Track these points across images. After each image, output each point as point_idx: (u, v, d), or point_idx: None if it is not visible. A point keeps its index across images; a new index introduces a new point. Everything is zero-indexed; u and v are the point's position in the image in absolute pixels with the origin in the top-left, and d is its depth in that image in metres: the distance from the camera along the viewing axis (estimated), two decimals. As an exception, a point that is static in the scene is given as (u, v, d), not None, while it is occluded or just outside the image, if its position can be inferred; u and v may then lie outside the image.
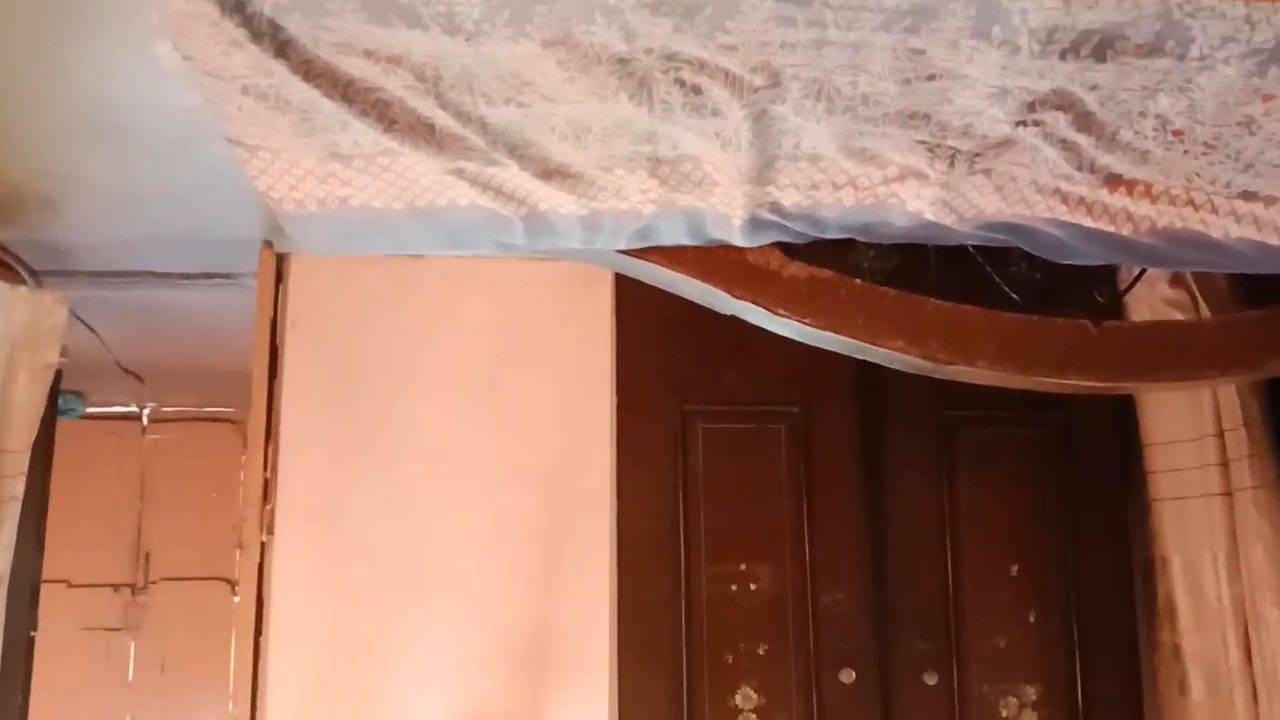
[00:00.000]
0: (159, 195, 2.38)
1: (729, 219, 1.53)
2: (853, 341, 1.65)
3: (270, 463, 2.54)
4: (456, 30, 1.13)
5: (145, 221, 2.52)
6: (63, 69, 1.86)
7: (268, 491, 2.53)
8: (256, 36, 1.12)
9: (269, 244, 2.57)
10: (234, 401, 3.75)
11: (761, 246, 1.62)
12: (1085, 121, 1.31)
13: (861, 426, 2.58)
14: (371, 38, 1.15)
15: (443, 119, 1.27)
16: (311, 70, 1.18)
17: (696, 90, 1.25)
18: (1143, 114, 1.32)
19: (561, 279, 2.55)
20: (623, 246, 1.62)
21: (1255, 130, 1.34)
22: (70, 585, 3.92)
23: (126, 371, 3.44)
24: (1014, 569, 2.61)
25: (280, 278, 2.60)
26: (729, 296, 1.66)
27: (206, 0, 1.07)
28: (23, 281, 2.66)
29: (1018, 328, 1.64)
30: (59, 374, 2.70)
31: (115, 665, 4.06)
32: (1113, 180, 1.43)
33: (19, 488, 2.56)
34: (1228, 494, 2.44)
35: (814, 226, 1.56)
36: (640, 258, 1.65)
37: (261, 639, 2.46)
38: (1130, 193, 1.45)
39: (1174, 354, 1.68)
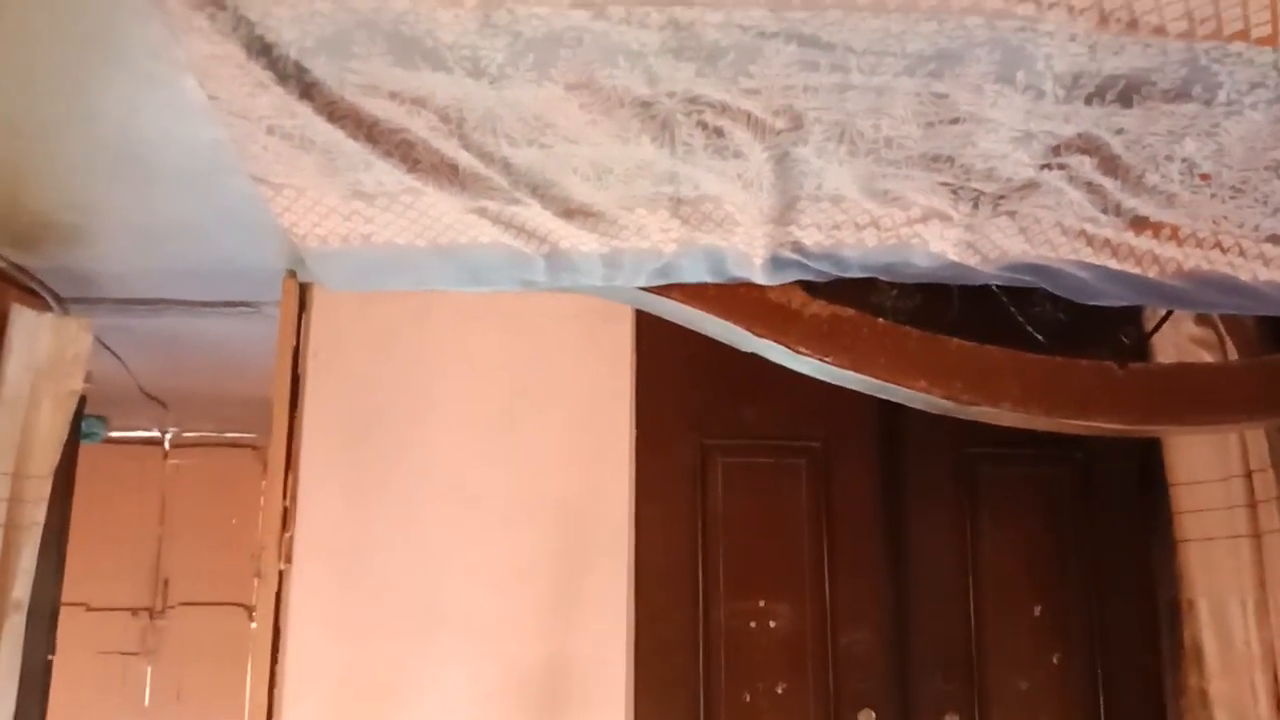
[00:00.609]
0: (183, 226, 2.41)
1: (750, 258, 1.52)
2: (875, 381, 1.63)
3: (290, 491, 2.55)
4: (481, 74, 1.14)
5: (170, 251, 2.55)
6: (89, 103, 1.89)
7: (287, 520, 2.54)
8: (282, 79, 1.13)
9: (293, 274, 2.59)
10: (255, 427, 3.77)
11: (783, 285, 1.62)
12: (1111, 165, 1.30)
13: (882, 463, 2.56)
14: (397, 80, 1.16)
15: (466, 159, 1.28)
16: (336, 111, 1.19)
17: (719, 133, 1.25)
18: (1169, 158, 1.30)
19: (581, 313, 2.56)
20: (643, 284, 1.62)
21: (1283, 175, 1.32)
22: (89, 609, 3.94)
23: (149, 397, 3.47)
24: (1037, 609, 2.57)
25: (303, 307, 2.63)
26: (750, 334, 1.65)
27: (233, 44, 1.08)
28: (49, 309, 2.69)
29: (1042, 369, 1.62)
30: (83, 399, 2.72)
31: (132, 690, 4.07)
32: (1139, 223, 1.42)
33: (40, 513, 2.58)
34: (1256, 536, 2.40)
35: (836, 266, 1.55)
36: (661, 295, 1.65)
37: (278, 668, 2.46)
38: (1156, 235, 1.44)
39: (1200, 397, 1.65)
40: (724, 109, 1.22)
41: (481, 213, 1.40)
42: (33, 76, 1.79)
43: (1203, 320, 2.26)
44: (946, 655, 2.51)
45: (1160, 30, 1.09)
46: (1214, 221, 1.42)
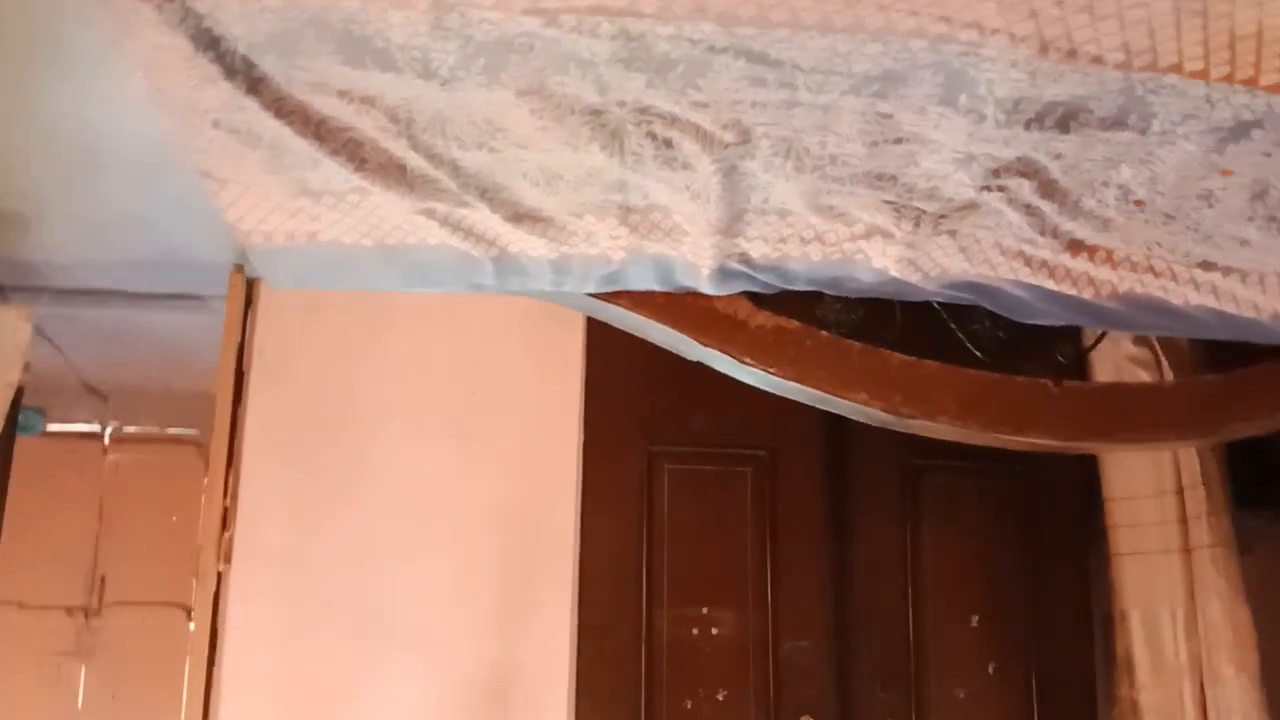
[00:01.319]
0: (130, 217, 2.37)
1: (698, 268, 1.54)
2: (817, 393, 1.66)
3: (230, 490, 2.51)
4: (431, 75, 1.14)
5: (115, 242, 2.51)
6: (38, 92, 1.86)
7: (227, 519, 2.50)
8: (230, 74, 1.12)
9: (240, 268, 2.56)
10: (198, 423, 3.71)
11: (729, 295, 1.63)
12: (1049, 189, 1.34)
13: (827, 472, 2.59)
14: (346, 79, 1.16)
15: (415, 160, 1.28)
16: (283, 108, 1.18)
17: (668, 144, 1.27)
18: (1105, 183, 1.34)
19: (532, 319, 2.55)
20: (592, 289, 1.62)
21: (1214, 203, 1.36)
22: (22, 607, 3.84)
23: (90, 390, 3.40)
24: (975, 619, 2.61)
25: (250, 302, 2.59)
26: (696, 343, 1.67)
27: (180, 36, 1.07)
28: (-13, 298, 2.63)
29: (979, 384, 1.66)
30: (20, 391, 2.66)
31: (65, 691, 3.97)
32: (1075, 245, 1.46)
33: (-28, 507, 2.52)
34: (1186, 551, 2.46)
35: (782, 278, 1.57)
36: (609, 301, 1.66)
37: (215, 671, 2.41)
38: (1092, 258, 1.48)
39: (1133, 416, 1.70)
40: (673, 120, 1.23)
41: (429, 214, 1.39)
42: (-24, 66, 1.76)
43: (1140, 340, 2.31)
44: (886, 664, 2.54)
45: (1098, 60, 1.12)
46: (1147, 246, 1.46)
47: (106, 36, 1.49)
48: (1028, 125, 1.21)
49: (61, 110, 1.93)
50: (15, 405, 2.69)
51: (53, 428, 3.62)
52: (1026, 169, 1.30)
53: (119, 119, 1.95)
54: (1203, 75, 1.15)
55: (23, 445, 2.95)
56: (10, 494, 2.90)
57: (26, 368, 2.64)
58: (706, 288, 1.59)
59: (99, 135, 2.02)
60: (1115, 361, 2.38)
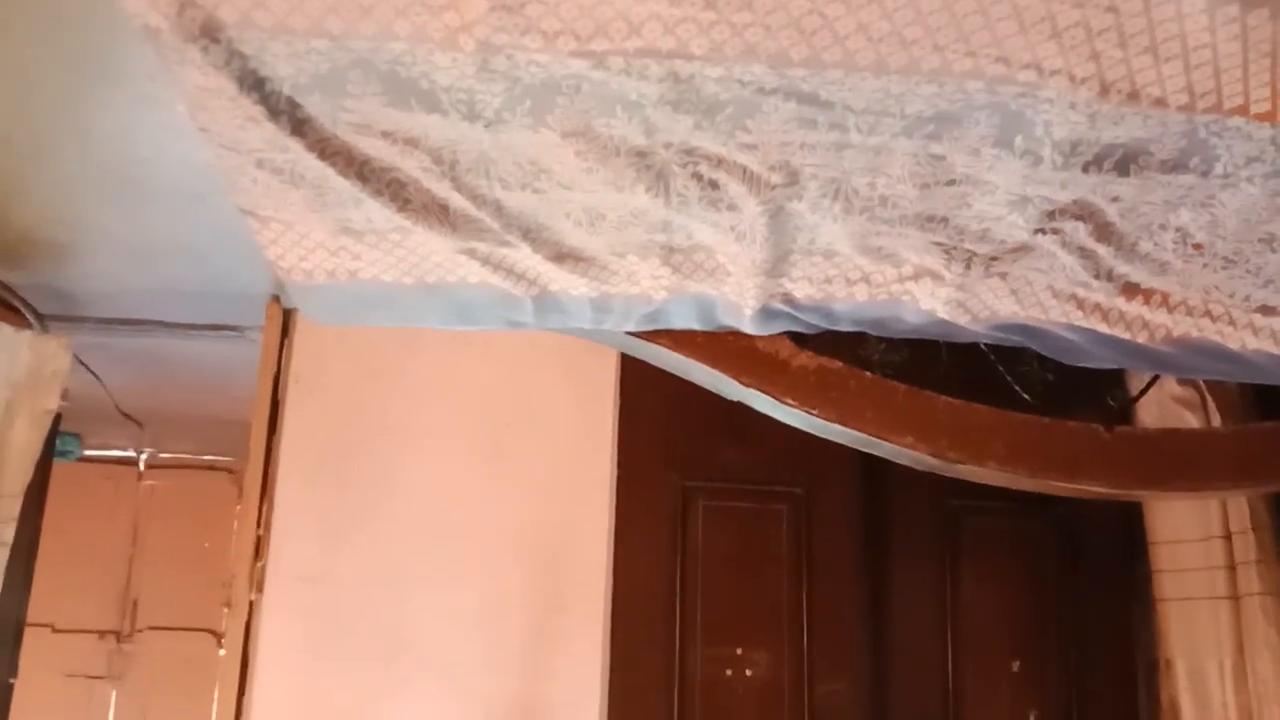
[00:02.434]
0: (171, 247, 2.39)
1: (740, 308, 1.51)
2: (860, 435, 1.62)
3: (264, 520, 2.51)
4: (476, 117, 1.13)
5: (156, 272, 2.53)
6: (84, 121, 1.87)
7: (260, 549, 2.50)
8: (274, 114, 1.11)
9: (277, 299, 2.56)
10: (232, 450, 3.72)
11: (771, 335, 1.61)
12: (1105, 232, 1.30)
13: (865, 511, 2.54)
14: (390, 120, 1.15)
15: (458, 201, 1.26)
16: (328, 148, 1.17)
17: (714, 185, 1.24)
18: (1163, 226, 1.30)
19: (567, 346, 2.54)
20: (632, 328, 1.60)
21: (1277, 248, 1.32)
22: (55, 630, 3.86)
23: (126, 416, 3.42)
24: (1015, 665, 2.55)
25: (286, 333, 2.60)
26: (737, 383, 1.64)
27: (225, 77, 1.06)
28: (28, 325, 2.65)
29: (1029, 429, 1.62)
30: (58, 417, 2.68)
31: (96, 715, 3.98)
32: (1130, 289, 1.42)
33: (9, 533, 2.52)
34: (1234, 599, 2.39)
35: (826, 319, 1.54)
36: (649, 340, 1.63)
37: (245, 699, 2.41)
38: (1147, 302, 1.44)
39: (1186, 463, 1.65)
40: (720, 162, 1.21)
41: (471, 253, 1.38)
42: (29, 93, 1.78)
43: (1185, 380, 2.26)
44: (923, 708, 2.48)
45: (1161, 102, 1.09)
46: (1205, 290, 1.42)
47: (157, 68, 1.50)
48: (1085, 168, 1.18)
49: (108, 140, 1.94)
50: (52, 431, 2.71)
51: (89, 452, 3.65)
52: (1082, 212, 1.27)
53: (164, 148, 1.96)
54: (1269, 117, 1.12)
55: (59, 469, 2.97)
56: (46, 517, 2.92)
57: (65, 394, 2.66)
58: (749, 327, 1.57)
59: (144, 165, 2.04)
60: (1160, 402, 2.32)
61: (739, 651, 2.43)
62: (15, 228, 2.30)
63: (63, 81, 1.73)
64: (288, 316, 2.56)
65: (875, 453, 1.68)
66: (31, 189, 2.14)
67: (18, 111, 1.83)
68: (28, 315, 2.68)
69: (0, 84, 1.73)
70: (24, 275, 2.54)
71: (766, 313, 1.53)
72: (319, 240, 1.36)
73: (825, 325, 1.56)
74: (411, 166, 1.21)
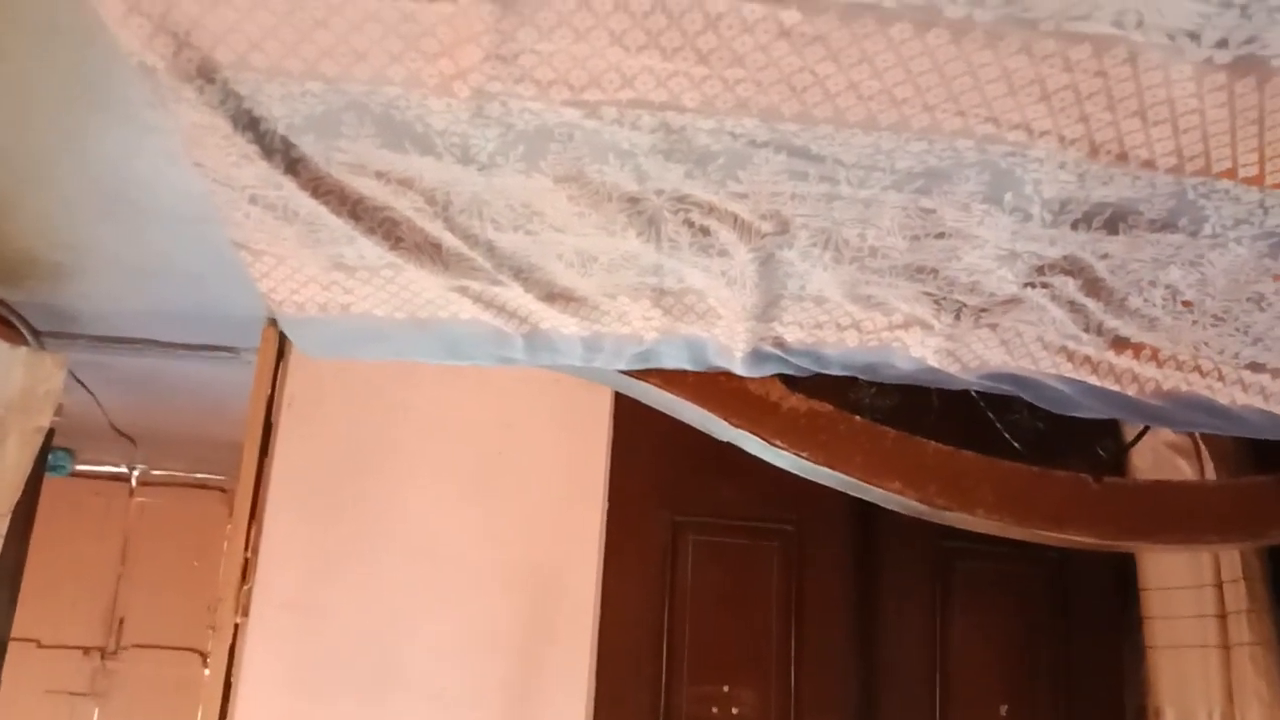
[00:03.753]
0: (169, 270, 2.39)
1: (731, 350, 1.52)
2: (849, 479, 1.62)
3: (252, 543, 2.50)
4: (470, 160, 1.14)
5: (153, 293, 2.54)
6: (83, 144, 1.88)
7: (246, 572, 2.49)
8: (268, 153, 1.12)
9: (273, 322, 2.57)
10: (224, 470, 3.72)
11: (762, 377, 1.61)
12: (1094, 287, 1.31)
13: (856, 550, 2.54)
14: (384, 161, 1.15)
15: (450, 240, 1.27)
16: (321, 187, 1.17)
17: (705, 231, 1.25)
18: (1153, 283, 1.31)
19: (560, 380, 2.53)
20: (623, 367, 1.61)
21: (1265, 307, 1.33)
22: (40, 645, 3.84)
23: (120, 433, 3.42)
24: (1004, 709, 2.54)
25: (281, 356, 2.60)
26: (727, 424, 1.64)
27: (220, 116, 1.07)
28: (24, 342, 2.66)
29: (1017, 477, 1.62)
30: (51, 431, 2.68)
31: (78, 732, 3.96)
32: (1120, 343, 1.42)
33: (-4, 551, 2.52)
34: (1225, 648, 2.38)
35: (816, 363, 1.54)
36: (640, 379, 1.64)
37: (228, 718, 2.40)
38: (1137, 356, 1.44)
39: (1175, 516, 1.65)
40: (711, 209, 1.22)
41: (463, 291, 1.38)
42: (30, 118, 1.79)
43: (1180, 427, 2.26)
44: (910, 751, 2.47)
45: (1150, 164, 1.09)
46: (1195, 346, 1.42)
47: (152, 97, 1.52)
48: (1075, 225, 1.18)
49: (108, 163, 1.95)
50: (45, 447, 2.71)
51: (81, 468, 3.64)
52: (1072, 267, 1.27)
53: (163, 172, 1.97)
54: (1257, 181, 1.12)
55: (50, 484, 2.97)
56: (35, 531, 2.91)
57: (59, 410, 2.66)
58: (739, 369, 1.57)
59: (143, 188, 2.05)
60: (1154, 448, 2.32)
61: (726, 689, 2.41)
62: (14, 246, 2.31)
63: (62, 106, 1.74)
64: (283, 340, 2.56)
65: (864, 497, 1.68)
66: (31, 209, 2.15)
67: (18, 133, 1.84)
68: (24, 332, 2.68)
69: (1, 107, 1.74)
70: (22, 293, 2.55)
71: (757, 355, 1.53)
72: (311, 274, 1.37)
73: (816, 369, 1.57)
74: (405, 206, 1.22)
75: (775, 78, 1.02)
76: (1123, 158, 1.10)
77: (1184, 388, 1.50)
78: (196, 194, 1.96)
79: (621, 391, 1.79)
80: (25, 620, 2.89)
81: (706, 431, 1.71)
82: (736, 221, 1.23)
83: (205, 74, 1.03)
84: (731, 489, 2.50)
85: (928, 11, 0.95)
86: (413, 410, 2.54)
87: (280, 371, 2.58)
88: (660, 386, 1.63)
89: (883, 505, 1.68)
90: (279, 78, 1.04)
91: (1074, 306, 1.35)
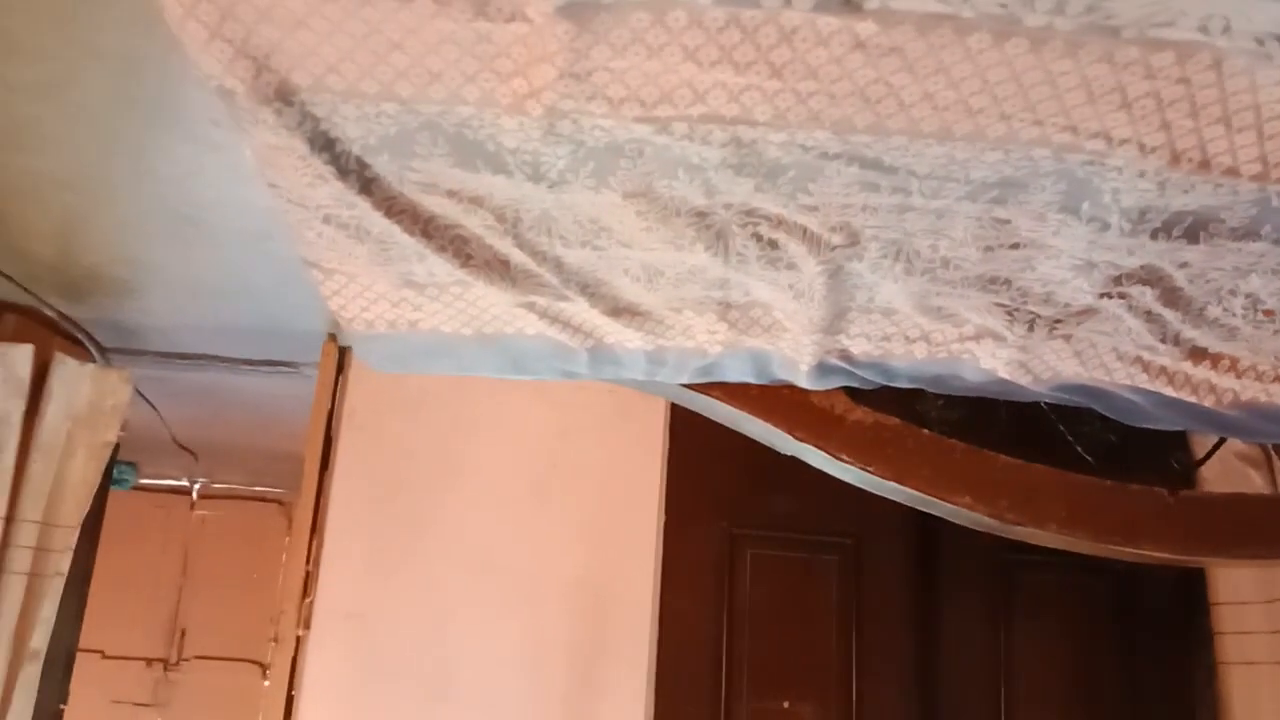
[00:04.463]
0: (231, 286, 2.44)
1: (796, 363, 1.51)
2: (917, 494, 1.60)
3: (313, 556, 2.53)
4: (540, 178, 1.14)
5: (215, 309, 2.58)
6: (150, 163, 1.92)
7: (308, 585, 2.52)
8: (343, 174, 1.13)
9: (333, 337, 2.60)
10: (284, 483, 3.77)
11: (826, 390, 1.59)
12: (1172, 297, 1.28)
13: (916, 563, 2.51)
14: (456, 180, 1.16)
15: (518, 257, 1.27)
16: (394, 206, 1.19)
17: (773, 245, 1.24)
18: (1233, 292, 1.28)
19: (617, 390, 2.53)
20: (686, 380, 1.60)
21: (1350, 315, 1.29)
22: (104, 656, 3.91)
23: (181, 447, 3.48)
24: (1069, 725, 2.49)
25: (341, 370, 2.63)
26: (791, 438, 1.62)
27: (297, 138, 1.08)
28: (90, 358, 2.71)
29: (1090, 491, 1.58)
30: (115, 446, 2.73)
31: (141, 742, 4.02)
32: (1197, 353, 1.39)
33: (65, 563, 2.57)
34: (1300, 664, 2.32)
35: (883, 375, 1.53)
36: (703, 392, 1.63)
37: (290, 728, 2.42)
38: (1215, 366, 1.40)
39: (1251, 531, 1.60)
40: (780, 222, 1.21)
41: (530, 307, 1.39)
42: (98, 137, 1.83)
43: (1251, 437, 2.20)
44: (974, 767, 2.43)
45: (1233, 171, 1.07)
46: (1276, 356, 1.38)
47: (220, 113, 1.55)
48: (1154, 235, 1.16)
49: (172, 182, 1.99)
50: (111, 462, 2.77)
51: (144, 481, 3.71)
52: (1150, 277, 1.24)
53: (225, 191, 2.01)
54: (1344, 188, 1.09)
55: (113, 497, 3.02)
56: (99, 544, 2.97)
57: (123, 425, 2.71)
58: (804, 382, 1.55)
59: (206, 207, 2.09)
60: (1223, 459, 2.26)
61: (786, 705, 2.39)
62: (81, 264, 2.36)
63: (129, 126, 1.78)
64: (343, 355, 2.59)
65: (931, 511, 1.65)
66: (98, 228, 2.20)
67: (86, 154, 1.88)
68: (90, 348, 2.74)
69: (71, 129, 1.78)
70: (88, 310, 2.60)
71: (823, 368, 1.52)
72: (381, 292, 1.38)
73: (882, 381, 1.55)
74: (475, 224, 1.22)
75: (849, 89, 1.01)
76: (1205, 165, 1.07)
77: (1263, 399, 1.46)
78: (258, 212, 2.01)
79: (683, 405, 1.78)
80: (89, 632, 2.95)
81: (770, 445, 1.70)
82: (806, 234, 1.22)
83: (283, 96, 1.05)
84: (789, 501, 2.48)
85: (1007, 21, 0.93)
86: (469, 422, 2.56)
87: (340, 386, 2.61)
88: (723, 400, 1.62)
89: (951, 520, 1.66)
90: (355, 99, 1.06)
91: (1151, 316, 1.32)
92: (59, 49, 1.55)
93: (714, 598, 2.44)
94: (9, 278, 2.36)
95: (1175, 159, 1.07)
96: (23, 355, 2.41)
